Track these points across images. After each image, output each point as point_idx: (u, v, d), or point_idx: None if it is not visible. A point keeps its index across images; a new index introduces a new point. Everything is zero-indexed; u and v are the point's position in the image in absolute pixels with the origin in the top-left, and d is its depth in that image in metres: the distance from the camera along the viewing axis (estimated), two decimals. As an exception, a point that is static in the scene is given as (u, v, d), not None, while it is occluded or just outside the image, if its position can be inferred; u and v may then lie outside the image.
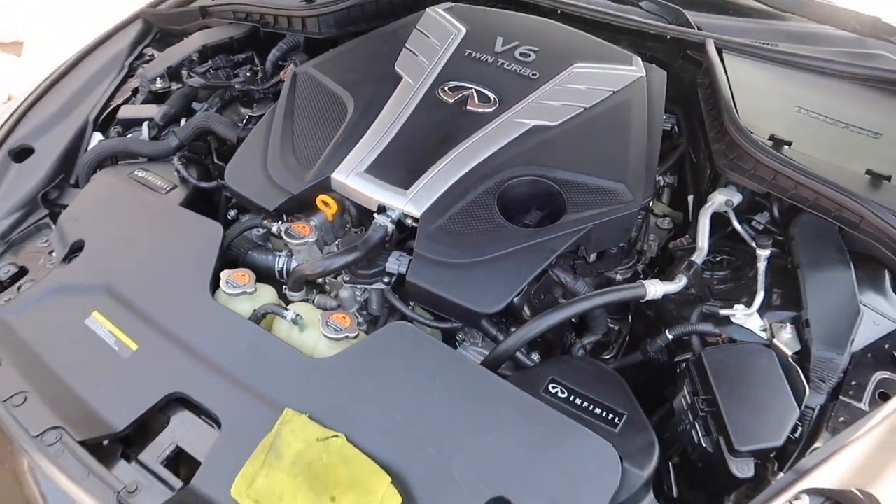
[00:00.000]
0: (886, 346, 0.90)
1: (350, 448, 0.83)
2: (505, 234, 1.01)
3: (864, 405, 0.84)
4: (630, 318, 1.15)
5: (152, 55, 1.52)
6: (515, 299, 0.97)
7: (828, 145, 1.07)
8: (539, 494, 0.79)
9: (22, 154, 1.30)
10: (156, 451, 0.89)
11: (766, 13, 1.33)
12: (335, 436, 0.84)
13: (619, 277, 1.13)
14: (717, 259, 1.08)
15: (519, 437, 0.83)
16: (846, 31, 1.26)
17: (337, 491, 0.80)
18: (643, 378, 0.99)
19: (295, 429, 0.84)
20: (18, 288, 1.13)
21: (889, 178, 1.00)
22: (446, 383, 0.88)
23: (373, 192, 1.08)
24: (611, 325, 1.14)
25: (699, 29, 1.32)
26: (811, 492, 0.75)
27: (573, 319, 1.02)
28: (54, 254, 1.18)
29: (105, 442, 0.90)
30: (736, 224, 1.07)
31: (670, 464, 0.93)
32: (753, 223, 1.08)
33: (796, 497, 0.75)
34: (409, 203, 1.06)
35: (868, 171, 1.01)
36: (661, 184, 1.28)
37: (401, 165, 1.11)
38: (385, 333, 0.94)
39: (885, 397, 0.84)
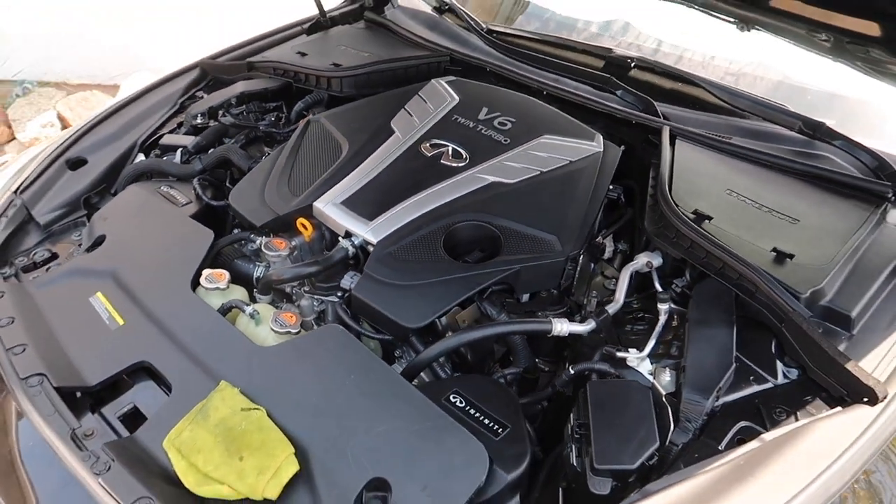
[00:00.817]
0: (756, 400, 0.99)
1: (267, 420, 0.98)
2: (442, 266, 1.17)
3: (721, 446, 0.93)
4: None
5: (201, 97, 1.78)
6: (439, 320, 1.11)
7: (746, 224, 1.18)
8: (414, 479, 0.91)
9: (77, 164, 1.56)
10: (116, 407, 1.06)
11: (727, 110, 1.47)
12: (256, 408, 0.99)
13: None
14: (639, 315, 1.20)
15: (409, 430, 0.96)
16: (794, 132, 1.38)
17: (246, 452, 0.94)
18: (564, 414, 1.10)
19: (225, 397, 1.00)
20: (47, 269, 1.36)
21: (792, 257, 1.10)
22: (360, 379, 1.02)
23: (342, 219, 1.26)
24: (542, 367, 1.26)
25: (665, 118, 1.48)
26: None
27: (494, 347, 1.15)
28: (81, 245, 1.41)
29: (78, 394, 1.08)
30: (656, 283, 1.19)
31: (560, 489, 1.03)
32: (673, 286, 1.19)
33: None
34: (370, 232, 1.23)
35: (774, 249, 1.12)
36: (615, 249, 1.41)
37: (371, 201, 1.29)
38: (320, 332, 1.10)
39: (741, 442, 0.92)
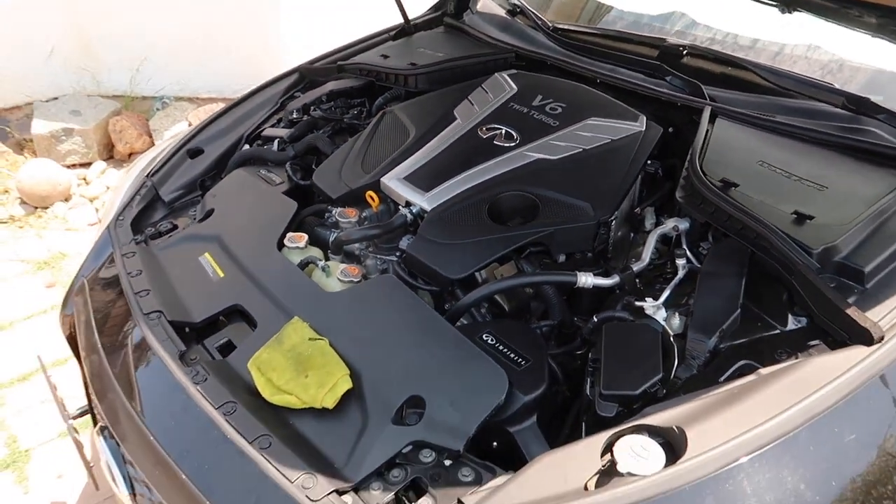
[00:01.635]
0: (761, 343, 1.07)
1: (328, 348, 1.17)
2: (484, 228, 1.33)
3: (722, 378, 1.02)
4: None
5: (298, 96, 2.05)
6: (479, 274, 1.27)
7: (772, 191, 1.25)
8: (444, 397, 1.07)
9: (195, 153, 1.85)
10: (215, 340, 1.29)
11: (774, 91, 1.53)
12: (321, 338, 1.19)
13: None
14: (668, 275, 1.30)
15: (443, 358, 1.12)
16: (838, 108, 1.43)
17: (310, 371, 1.14)
18: None
19: (296, 329, 1.21)
20: (169, 237, 1.64)
21: (812, 218, 1.17)
22: (406, 318, 1.20)
23: (403, 191, 1.46)
24: (579, 325, 1.38)
25: (713, 100, 1.56)
26: (640, 428, 0.95)
27: (531, 303, 1.29)
28: (196, 218, 1.69)
29: (186, 329, 1.33)
30: (683, 243, 1.29)
31: (583, 423, 1.15)
32: (699, 248, 1.29)
33: (623, 433, 0.95)
34: (425, 200, 1.42)
35: (794, 212, 1.19)
36: (655, 222, 1.50)
37: (429, 176, 1.48)
38: (376, 280, 1.29)
39: (739, 375, 1.01)
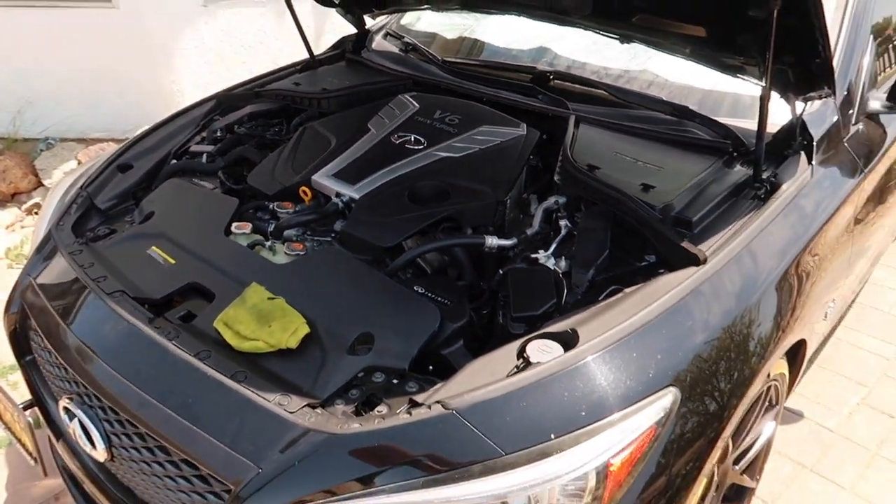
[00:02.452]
0: (625, 275, 1.43)
1: (286, 304, 1.40)
2: (407, 209, 1.62)
3: (600, 299, 1.36)
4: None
5: (217, 119, 2.26)
6: (405, 243, 1.55)
7: (625, 171, 1.64)
8: (388, 330, 1.33)
9: (125, 168, 2.00)
10: (175, 313, 1.47)
11: (620, 104, 1.95)
12: (278, 298, 1.41)
13: None
14: (552, 236, 1.64)
15: (385, 302, 1.39)
16: (667, 114, 1.87)
17: (272, 321, 1.35)
18: None
19: (256, 291, 1.42)
20: (109, 238, 1.78)
21: (654, 187, 1.56)
22: (350, 277, 1.45)
23: (333, 185, 1.72)
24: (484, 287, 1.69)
25: (575, 111, 1.96)
26: (543, 335, 1.26)
27: (447, 268, 1.59)
28: (135, 222, 1.84)
29: (146, 306, 1.49)
30: (563, 212, 1.64)
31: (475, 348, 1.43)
32: (575, 217, 1.64)
33: (531, 339, 1.25)
34: (354, 191, 1.69)
35: (641, 183, 1.58)
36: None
37: (354, 173, 1.75)
38: (320, 250, 1.54)
39: (611, 295, 1.35)
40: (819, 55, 1.43)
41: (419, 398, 1.18)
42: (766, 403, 1.65)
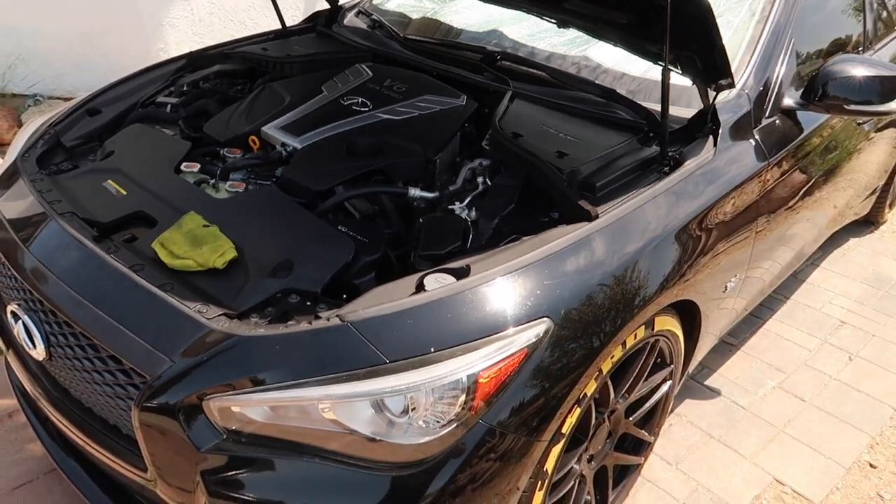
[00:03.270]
0: (528, 226, 1.58)
1: (218, 231, 1.54)
2: (342, 160, 1.77)
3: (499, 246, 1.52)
4: None
5: (186, 76, 2.40)
6: (337, 188, 1.70)
7: (546, 141, 1.79)
8: (307, 259, 1.48)
9: (94, 112, 2.15)
10: (120, 236, 1.62)
11: (557, 84, 2.11)
12: (212, 225, 1.56)
13: None
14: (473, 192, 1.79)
15: (307, 235, 1.54)
16: (596, 95, 2.02)
17: (204, 244, 1.50)
18: None
19: (192, 218, 1.57)
20: (70, 172, 1.92)
21: (567, 155, 1.72)
22: (281, 212, 1.61)
23: (280, 136, 1.87)
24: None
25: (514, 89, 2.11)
26: (441, 270, 1.41)
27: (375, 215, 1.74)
28: (96, 159, 1.99)
29: (94, 228, 1.63)
30: (483, 171, 1.80)
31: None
32: (477, 172, 1.80)
33: (437, 271, 1.40)
34: (297, 142, 1.84)
35: (557, 151, 1.73)
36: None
37: (301, 128, 1.90)
38: (257, 189, 1.69)
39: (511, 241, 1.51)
40: (714, 44, 1.59)
41: (323, 315, 1.33)
42: (657, 359, 1.80)
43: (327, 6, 2.82)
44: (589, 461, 1.75)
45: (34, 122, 2.18)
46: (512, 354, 1.30)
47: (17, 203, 1.76)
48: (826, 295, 3.20)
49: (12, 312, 1.57)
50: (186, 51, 4.25)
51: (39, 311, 1.52)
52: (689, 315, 1.87)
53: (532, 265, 1.39)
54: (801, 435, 2.36)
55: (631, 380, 1.71)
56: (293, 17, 4.60)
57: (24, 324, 1.53)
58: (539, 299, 1.36)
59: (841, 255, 3.52)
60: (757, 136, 1.99)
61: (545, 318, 1.35)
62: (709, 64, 1.71)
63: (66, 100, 4.09)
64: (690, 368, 2.12)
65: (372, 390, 1.24)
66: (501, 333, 1.30)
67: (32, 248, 1.57)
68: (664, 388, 1.91)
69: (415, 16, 2.72)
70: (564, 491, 1.64)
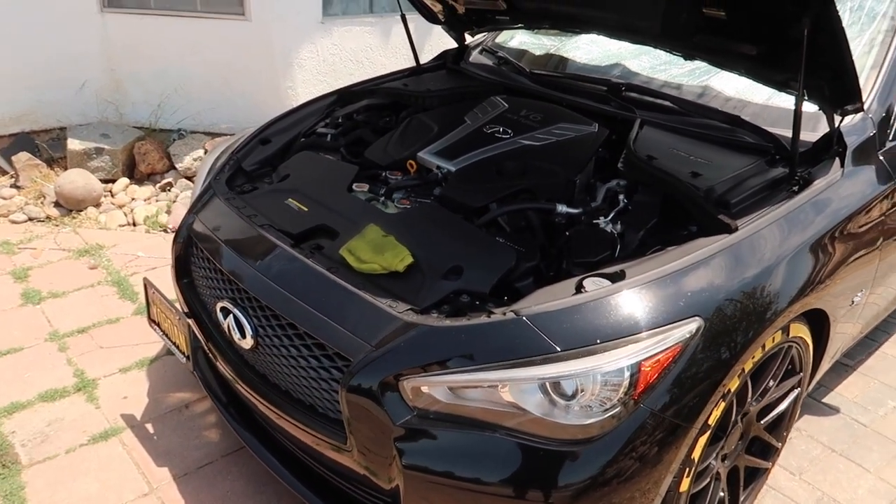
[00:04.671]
0: (670, 239, 1.75)
1: (394, 240, 1.79)
2: (493, 180, 2.00)
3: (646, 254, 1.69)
4: None
5: (338, 110, 2.71)
6: (491, 205, 1.93)
7: (678, 163, 1.96)
8: (475, 265, 1.70)
9: (265, 141, 2.48)
10: (309, 244, 1.89)
11: (682, 112, 2.28)
12: (389, 235, 1.81)
13: None
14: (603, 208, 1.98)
15: (473, 245, 1.76)
16: (721, 121, 2.18)
17: (385, 251, 1.75)
18: None
19: (372, 229, 1.82)
20: (253, 192, 2.23)
21: (700, 175, 1.88)
22: (446, 225, 1.84)
23: (435, 160, 2.13)
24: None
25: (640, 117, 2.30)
26: (595, 274, 1.60)
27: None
28: (271, 182, 2.29)
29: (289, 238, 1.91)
30: (618, 192, 1.98)
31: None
32: (633, 197, 1.98)
33: (593, 275, 1.59)
34: (452, 165, 2.09)
35: (690, 172, 1.90)
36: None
37: (453, 153, 2.15)
38: (423, 205, 1.94)
39: (655, 251, 1.68)
40: (846, 71, 1.73)
41: (498, 310, 1.54)
42: (788, 365, 1.91)
43: (447, 46, 3.11)
44: (723, 459, 1.87)
45: (215, 151, 2.53)
46: (669, 348, 1.46)
47: (218, 218, 2.08)
48: (946, 320, 3.17)
49: (223, 308, 1.86)
50: (312, 89, 4.69)
51: (249, 307, 1.80)
52: (818, 326, 1.97)
53: (682, 270, 1.56)
54: (927, 453, 2.39)
55: (766, 382, 1.83)
56: (405, 58, 4.96)
57: (234, 317, 1.81)
58: (690, 300, 1.53)
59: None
60: (882, 159, 2.09)
61: (697, 317, 1.51)
62: (838, 90, 1.85)
63: (208, 134, 4.57)
64: (815, 380, 2.20)
65: (547, 374, 1.43)
66: (658, 329, 1.47)
67: (241, 254, 1.87)
68: (793, 394, 2.02)
69: (537, 52, 2.95)
70: (704, 483, 1.77)
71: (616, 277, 1.56)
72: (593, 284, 1.55)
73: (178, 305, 2.13)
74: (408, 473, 1.51)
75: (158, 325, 2.23)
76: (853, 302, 2.06)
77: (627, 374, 1.43)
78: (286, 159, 2.40)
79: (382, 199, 2.04)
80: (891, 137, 2.16)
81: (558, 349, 1.44)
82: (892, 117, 2.17)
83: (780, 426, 2.07)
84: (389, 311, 1.58)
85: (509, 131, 2.25)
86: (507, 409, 1.47)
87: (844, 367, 2.82)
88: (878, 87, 2.16)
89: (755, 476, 2.08)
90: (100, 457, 2.27)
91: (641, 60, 2.63)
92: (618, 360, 1.42)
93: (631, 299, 1.50)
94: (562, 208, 1.91)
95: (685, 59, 2.25)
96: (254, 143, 2.46)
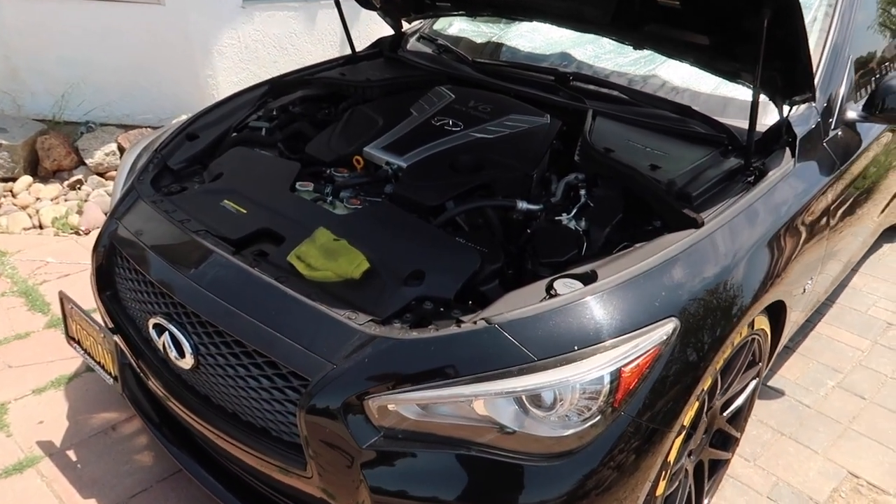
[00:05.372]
0: (636, 235, 1.69)
1: (347, 245, 1.66)
2: (448, 176, 1.89)
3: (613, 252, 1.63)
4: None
5: (270, 101, 2.53)
6: (448, 203, 1.82)
7: (635, 155, 1.91)
8: (437, 268, 1.59)
9: (193, 137, 2.26)
10: (250, 249, 1.72)
11: (631, 102, 2.23)
12: (341, 239, 1.67)
13: None
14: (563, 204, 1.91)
15: (433, 246, 1.65)
16: (671, 112, 2.15)
17: (339, 256, 1.61)
18: None
19: (323, 233, 1.68)
20: (182, 193, 2.03)
21: (659, 167, 1.84)
22: (402, 225, 1.72)
23: (384, 156, 2.00)
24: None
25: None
26: (566, 275, 1.52)
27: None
28: (202, 182, 2.10)
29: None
30: (578, 186, 1.92)
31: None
32: (592, 191, 1.91)
33: (557, 278, 1.51)
34: (402, 160, 1.96)
35: (650, 164, 1.85)
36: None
37: (401, 147, 2.03)
38: (375, 204, 1.81)
39: (623, 248, 1.62)
40: (801, 62, 1.71)
41: (467, 318, 1.44)
42: (750, 357, 1.91)
43: (376, 34, 2.97)
44: (689, 455, 1.85)
45: (135, 148, 2.30)
46: (647, 351, 1.41)
47: (145, 223, 1.87)
48: (869, 298, 3.31)
49: (156, 325, 1.67)
50: (234, 77, 4.43)
51: (187, 323, 1.62)
52: (775, 316, 1.98)
53: (654, 269, 1.50)
54: (867, 431, 2.47)
55: (731, 376, 1.81)
56: (331, 44, 4.76)
57: (170, 335, 1.63)
58: (664, 300, 1.48)
59: (877, 261, 3.64)
60: (827, 147, 2.12)
61: (672, 318, 1.46)
62: (790, 80, 1.84)
63: (121, 126, 4.23)
64: (768, 368, 2.23)
65: (525, 386, 1.34)
66: (635, 332, 1.41)
67: (174, 264, 1.68)
68: (752, 385, 2.02)
69: (478, 40, 2.85)
70: (676, 483, 1.74)
71: (587, 279, 1.49)
72: (565, 287, 1.47)
73: (101, 320, 1.92)
74: (376, 498, 1.39)
75: (79, 342, 2.01)
76: (804, 290, 2.08)
77: (607, 381, 1.36)
78: (217, 156, 2.21)
79: (329, 198, 1.90)
80: (832, 126, 2.19)
81: (535, 358, 1.35)
82: (834, 107, 2.20)
83: (740, 417, 2.08)
84: (348, 324, 1.45)
85: (459, 123, 2.14)
86: (480, 423, 1.38)
87: (785, 349, 2.89)
88: (820, 76, 2.18)
89: (716, 468, 2.08)
90: (15, 491, 2.03)
91: (586, 49, 2.58)
92: (598, 368, 1.35)
93: (606, 302, 1.43)
94: (522, 205, 1.82)
95: (634, 48, 2.21)
96: (180, 138, 2.25)
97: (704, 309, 1.54)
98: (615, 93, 2.27)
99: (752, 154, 1.86)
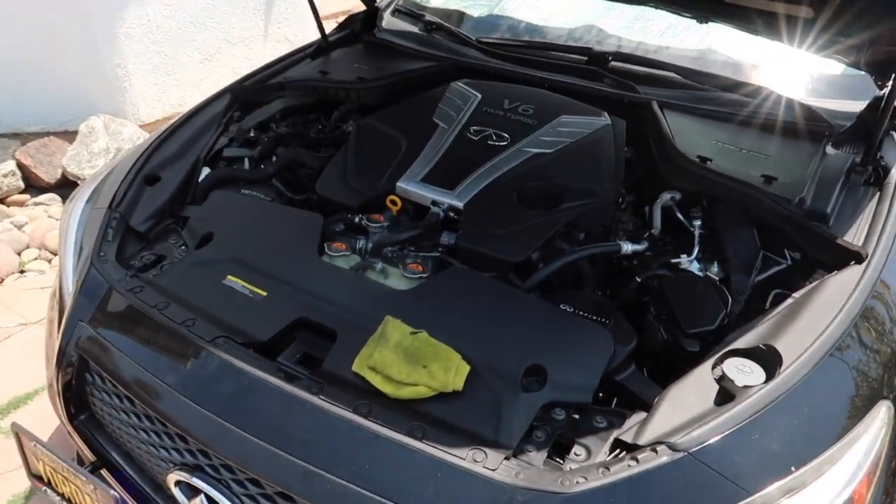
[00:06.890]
0: (780, 276, 1.36)
1: (432, 339, 1.23)
2: (524, 215, 1.47)
3: (766, 306, 1.29)
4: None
5: (239, 117, 1.99)
6: (532, 255, 1.41)
7: (735, 162, 1.56)
8: (561, 360, 1.20)
9: (153, 180, 1.72)
10: (289, 355, 1.27)
11: (690, 86, 1.87)
12: (421, 331, 1.24)
13: None
14: (668, 239, 1.55)
15: (545, 327, 1.25)
16: (747, 97, 1.81)
17: (426, 361, 1.19)
18: None
19: (395, 326, 1.25)
20: (161, 267, 1.52)
21: (776, 179, 1.50)
22: (493, 299, 1.30)
23: (427, 192, 1.54)
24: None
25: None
26: (731, 353, 1.17)
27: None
28: (184, 246, 1.58)
29: (251, 350, 1.28)
30: (677, 213, 1.55)
31: (643, 369, 1.34)
32: (691, 213, 1.56)
33: (721, 359, 1.16)
34: (454, 198, 1.52)
35: (763, 175, 1.51)
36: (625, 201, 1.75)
37: (444, 177, 1.58)
38: (447, 272, 1.37)
39: (778, 302, 1.28)
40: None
41: (629, 438, 1.07)
42: None
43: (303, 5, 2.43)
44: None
45: (77, 201, 1.73)
46: (874, 454, 1.09)
47: (127, 326, 1.37)
48: None
49: (179, 483, 1.20)
50: (148, 63, 3.72)
51: (229, 482, 1.17)
52: None
53: (845, 335, 1.17)
54: None
55: None
56: (255, 11, 4.11)
57: (207, 498, 1.17)
58: (868, 377, 1.15)
59: None
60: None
61: (884, 400, 1.14)
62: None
63: (14, 137, 3.49)
64: None
65: (748, 535, 1.00)
66: (855, 431, 1.08)
67: (196, 397, 1.20)
68: None
69: (473, 13, 2.38)
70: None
71: (768, 359, 1.14)
72: (740, 374, 1.12)
73: (77, 454, 1.42)
74: None
75: (50, 483, 1.50)
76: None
77: (844, 506, 1.04)
78: (195, 203, 1.69)
79: (379, 265, 1.43)
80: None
81: (749, 492, 1.00)
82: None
83: None
84: (479, 472, 1.04)
85: (504, 135, 1.71)
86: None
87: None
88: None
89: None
90: None
91: (612, 17, 2.17)
92: (837, 495, 1.02)
93: (812, 395, 1.09)
94: (627, 247, 1.44)
95: (699, 21, 1.82)
96: (136, 183, 1.70)
97: (901, 373, 1.23)
98: (670, 74, 1.89)
99: (875, 149, 1.54)
